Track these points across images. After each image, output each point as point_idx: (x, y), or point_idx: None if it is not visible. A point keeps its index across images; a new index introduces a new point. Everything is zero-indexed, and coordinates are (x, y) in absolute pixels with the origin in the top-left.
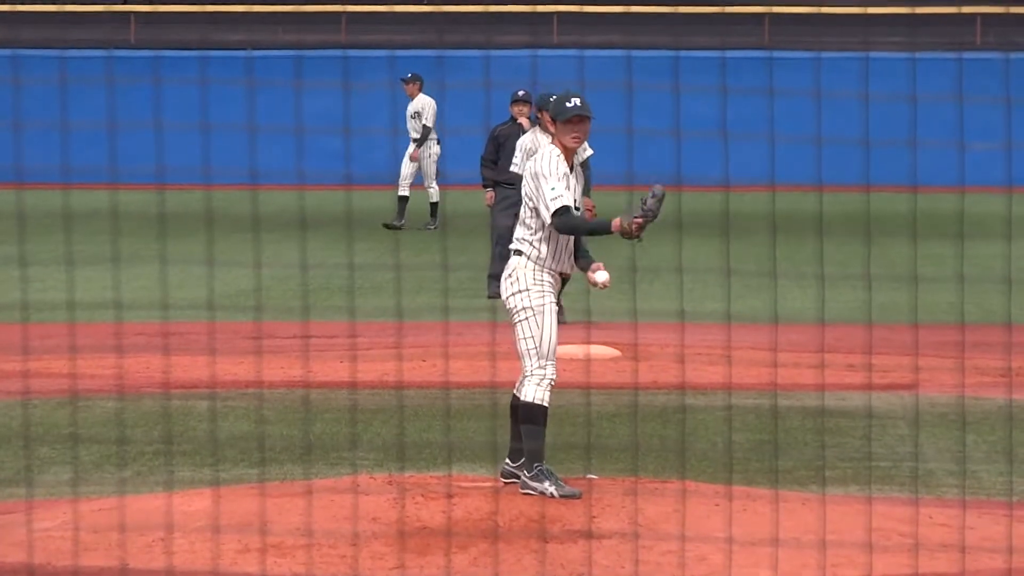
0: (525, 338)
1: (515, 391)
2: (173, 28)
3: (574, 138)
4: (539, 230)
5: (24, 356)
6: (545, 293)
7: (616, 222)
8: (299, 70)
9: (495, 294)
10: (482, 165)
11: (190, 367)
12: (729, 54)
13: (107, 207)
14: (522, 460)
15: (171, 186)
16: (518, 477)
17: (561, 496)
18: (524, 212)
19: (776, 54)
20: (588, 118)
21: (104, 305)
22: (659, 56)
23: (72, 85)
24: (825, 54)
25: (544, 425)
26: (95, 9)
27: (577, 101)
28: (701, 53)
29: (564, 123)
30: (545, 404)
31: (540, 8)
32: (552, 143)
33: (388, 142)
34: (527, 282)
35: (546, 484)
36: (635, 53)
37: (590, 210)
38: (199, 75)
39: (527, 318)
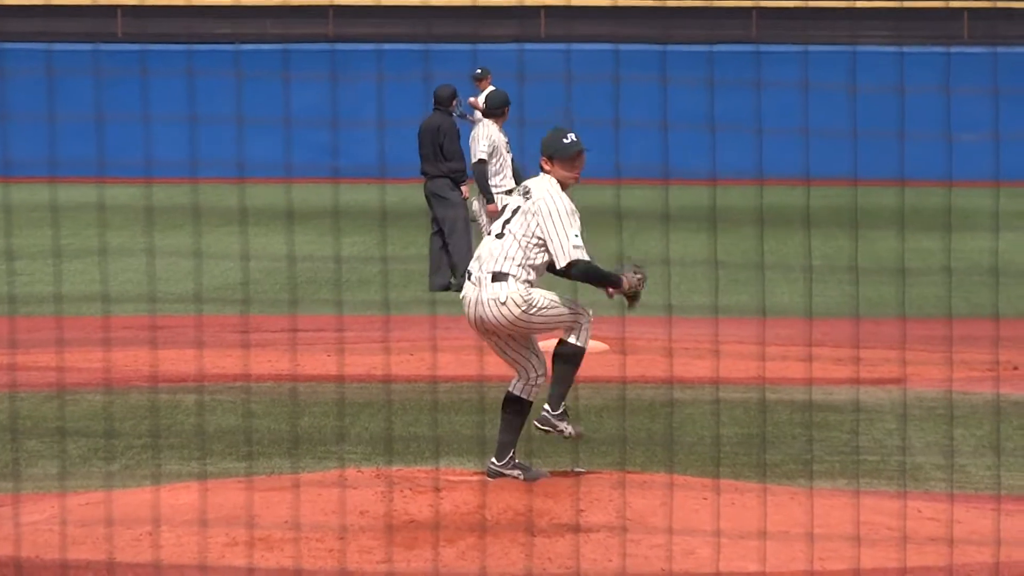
0: (553, 323)
1: (510, 388)
2: (160, 21)
3: (575, 175)
4: (539, 260)
5: (11, 349)
6: (534, 292)
7: (626, 279)
8: (286, 63)
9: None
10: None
11: (177, 360)
12: (717, 48)
13: (94, 200)
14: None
15: (158, 180)
16: (503, 475)
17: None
18: (527, 241)
19: (764, 48)
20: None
21: (92, 298)
22: (647, 50)
23: (59, 78)
24: (813, 47)
25: (576, 366)
26: (81, 2)
27: (573, 136)
28: (689, 47)
29: (565, 160)
30: (582, 345)
31: (528, 1)
32: (548, 177)
33: (375, 136)
34: (522, 301)
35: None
36: (623, 47)
37: None
38: (186, 68)
39: (543, 319)
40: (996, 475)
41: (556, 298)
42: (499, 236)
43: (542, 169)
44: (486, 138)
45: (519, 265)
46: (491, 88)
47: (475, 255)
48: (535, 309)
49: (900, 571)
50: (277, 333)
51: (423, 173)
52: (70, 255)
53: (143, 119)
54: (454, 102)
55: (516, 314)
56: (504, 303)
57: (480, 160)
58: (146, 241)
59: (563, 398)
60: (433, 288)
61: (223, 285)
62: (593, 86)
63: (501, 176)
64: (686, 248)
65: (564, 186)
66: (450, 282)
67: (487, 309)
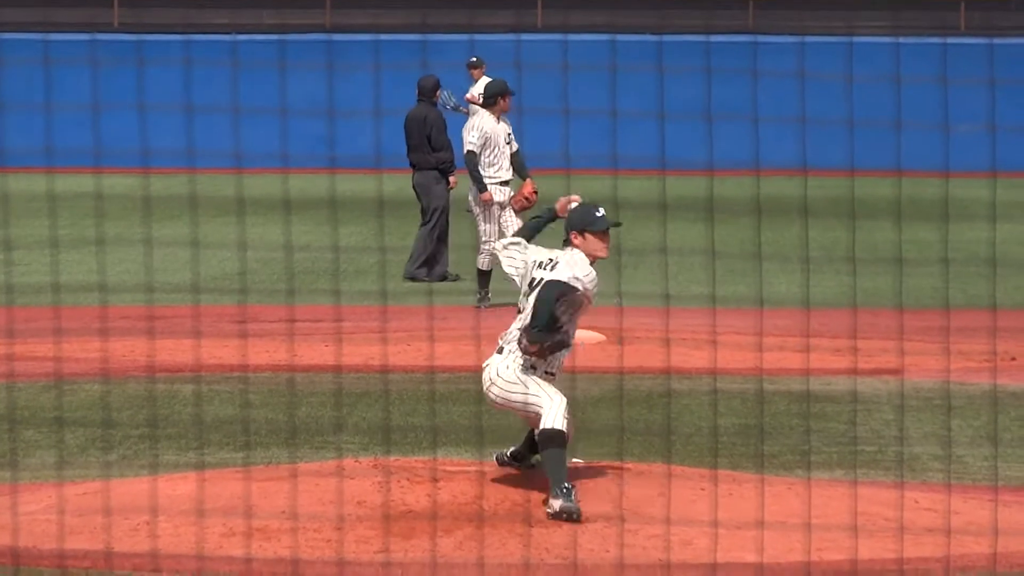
0: (513, 404)
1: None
2: (156, 11)
3: (606, 249)
4: None
5: (9, 339)
6: (512, 372)
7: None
8: (283, 54)
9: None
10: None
11: (175, 350)
12: (714, 38)
13: (92, 190)
14: (524, 461)
15: (155, 169)
16: (512, 465)
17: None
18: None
19: (760, 38)
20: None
21: (89, 288)
22: (643, 40)
23: (55, 68)
24: (809, 38)
25: (559, 447)
26: None
27: (603, 211)
28: (685, 37)
29: (597, 233)
30: (557, 427)
31: None
32: (578, 251)
33: (372, 126)
34: (496, 375)
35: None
36: (619, 37)
37: (531, 194)
38: (183, 58)
39: (504, 395)
40: (993, 466)
41: (527, 386)
42: (519, 311)
43: (571, 243)
44: (478, 129)
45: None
46: (486, 78)
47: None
48: (501, 381)
49: (897, 561)
50: (274, 323)
51: (411, 164)
52: (67, 245)
53: (140, 109)
54: (437, 92)
55: (486, 386)
56: (488, 372)
57: (470, 152)
58: (143, 231)
59: (560, 482)
60: (432, 278)
61: (220, 275)
62: (590, 76)
63: (496, 168)
64: (683, 238)
65: (593, 259)
66: (447, 272)
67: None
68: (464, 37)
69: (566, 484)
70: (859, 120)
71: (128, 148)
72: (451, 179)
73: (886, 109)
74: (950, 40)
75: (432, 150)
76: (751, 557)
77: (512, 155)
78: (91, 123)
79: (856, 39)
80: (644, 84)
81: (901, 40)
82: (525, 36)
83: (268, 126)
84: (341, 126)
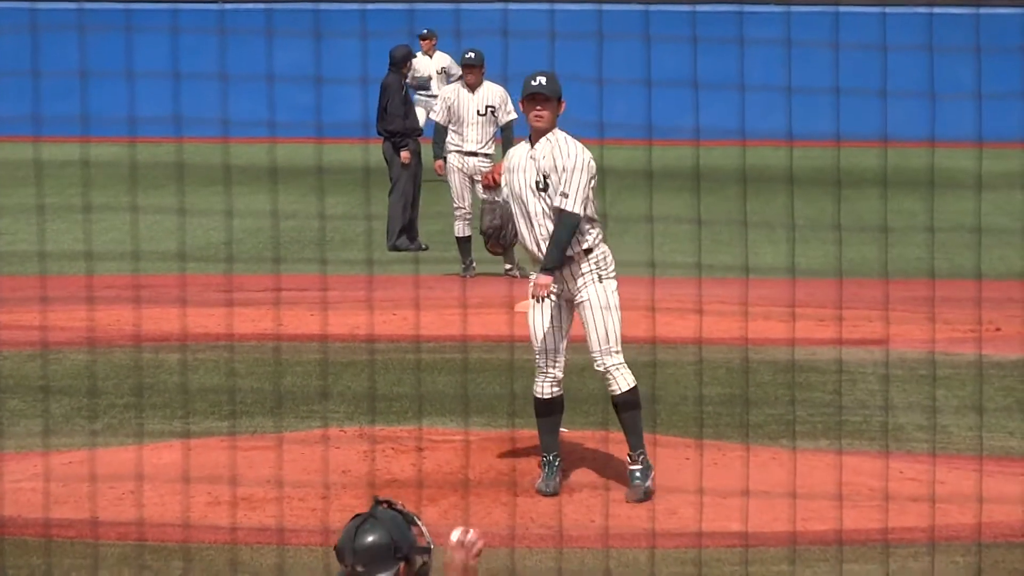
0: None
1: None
2: None
3: (534, 115)
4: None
5: None
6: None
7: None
8: (270, 22)
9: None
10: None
11: (161, 319)
12: (700, 7)
13: (78, 158)
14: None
15: (142, 138)
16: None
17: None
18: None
19: (747, 8)
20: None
21: (75, 257)
22: (630, 10)
23: (43, 35)
24: (795, 7)
25: (537, 416)
26: None
27: (540, 79)
28: (672, 6)
29: (522, 102)
30: (536, 395)
31: None
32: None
33: (359, 94)
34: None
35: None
36: (606, 6)
37: (499, 176)
38: (171, 26)
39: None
40: (978, 436)
41: (531, 323)
42: None
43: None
44: (441, 99)
45: None
46: (441, 54)
47: None
48: None
49: (882, 531)
50: (260, 292)
51: (378, 133)
52: (54, 213)
53: (127, 77)
54: (408, 62)
55: None
56: None
57: (435, 121)
58: (130, 200)
59: (544, 452)
60: (414, 246)
61: (207, 244)
62: (576, 45)
63: (460, 137)
64: (669, 208)
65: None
66: (418, 241)
67: None
68: (451, 6)
69: (549, 456)
70: (845, 89)
71: (115, 116)
72: (402, 153)
73: (872, 79)
74: (936, 9)
75: (388, 120)
76: (736, 526)
77: (503, 127)
78: (78, 91)
79: (842, 8)
80: (630, 53)
81: (887, 9)
82: (512, 5)
83: (255, 95)
84: (328, 95)
